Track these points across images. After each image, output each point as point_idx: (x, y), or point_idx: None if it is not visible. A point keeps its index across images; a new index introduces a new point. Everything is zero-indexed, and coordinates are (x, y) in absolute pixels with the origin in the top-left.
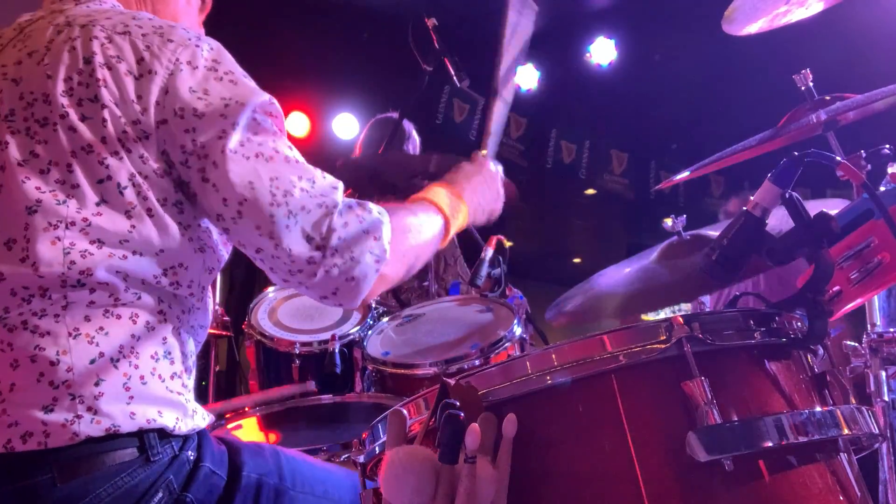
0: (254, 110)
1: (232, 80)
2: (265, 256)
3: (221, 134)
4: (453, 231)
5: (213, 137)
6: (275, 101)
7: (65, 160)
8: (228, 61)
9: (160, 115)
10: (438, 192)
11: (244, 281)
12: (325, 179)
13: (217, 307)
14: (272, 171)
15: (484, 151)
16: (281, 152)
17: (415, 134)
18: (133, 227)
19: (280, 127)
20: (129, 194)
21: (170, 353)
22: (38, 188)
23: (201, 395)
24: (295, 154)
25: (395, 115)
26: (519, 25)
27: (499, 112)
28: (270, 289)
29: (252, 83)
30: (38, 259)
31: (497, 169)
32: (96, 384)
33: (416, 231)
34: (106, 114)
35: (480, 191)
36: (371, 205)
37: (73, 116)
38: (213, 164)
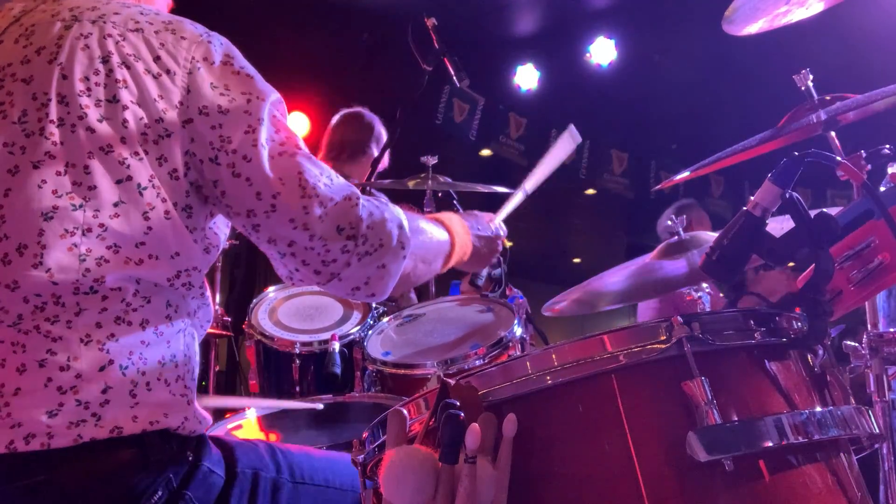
0: (272, 105)
1: (248, 73)
2: (297, 250)
3: (248, 129)
4: (455, 257)
5: (241, 133)
6: (282, 99)
7: (82, 161)
8: (238, 55)
9: (185, 115)
10: (451, 217)
11: (244, 281)
12: (338, 176)
13: (217, 307)
14: (298, 164)
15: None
16: (302, 148)
17: (382, 130)
18: (150, 228)
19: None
20: (149, 195)
21: (175, 357)
22: (54, 192)
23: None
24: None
25: (364, 111)
26: (565, 152)
27: (517, 200)
28: (270, 288)
29: (261, 78)
30: (53, 265)
31: (502, 231)
32: (103, 391)
33: (426, 234)
34: (127, 114)
35: (484, 237)
36: (384, 197)
37: (93, 116)
38: (243, 159)
